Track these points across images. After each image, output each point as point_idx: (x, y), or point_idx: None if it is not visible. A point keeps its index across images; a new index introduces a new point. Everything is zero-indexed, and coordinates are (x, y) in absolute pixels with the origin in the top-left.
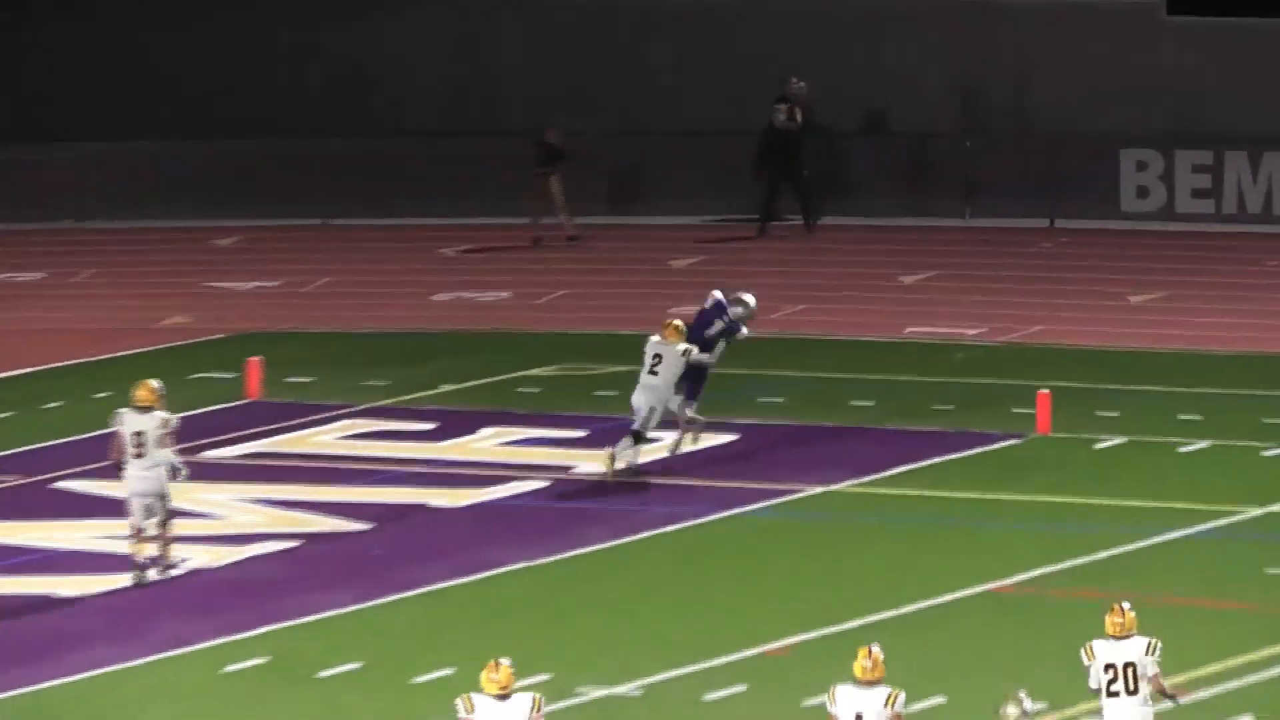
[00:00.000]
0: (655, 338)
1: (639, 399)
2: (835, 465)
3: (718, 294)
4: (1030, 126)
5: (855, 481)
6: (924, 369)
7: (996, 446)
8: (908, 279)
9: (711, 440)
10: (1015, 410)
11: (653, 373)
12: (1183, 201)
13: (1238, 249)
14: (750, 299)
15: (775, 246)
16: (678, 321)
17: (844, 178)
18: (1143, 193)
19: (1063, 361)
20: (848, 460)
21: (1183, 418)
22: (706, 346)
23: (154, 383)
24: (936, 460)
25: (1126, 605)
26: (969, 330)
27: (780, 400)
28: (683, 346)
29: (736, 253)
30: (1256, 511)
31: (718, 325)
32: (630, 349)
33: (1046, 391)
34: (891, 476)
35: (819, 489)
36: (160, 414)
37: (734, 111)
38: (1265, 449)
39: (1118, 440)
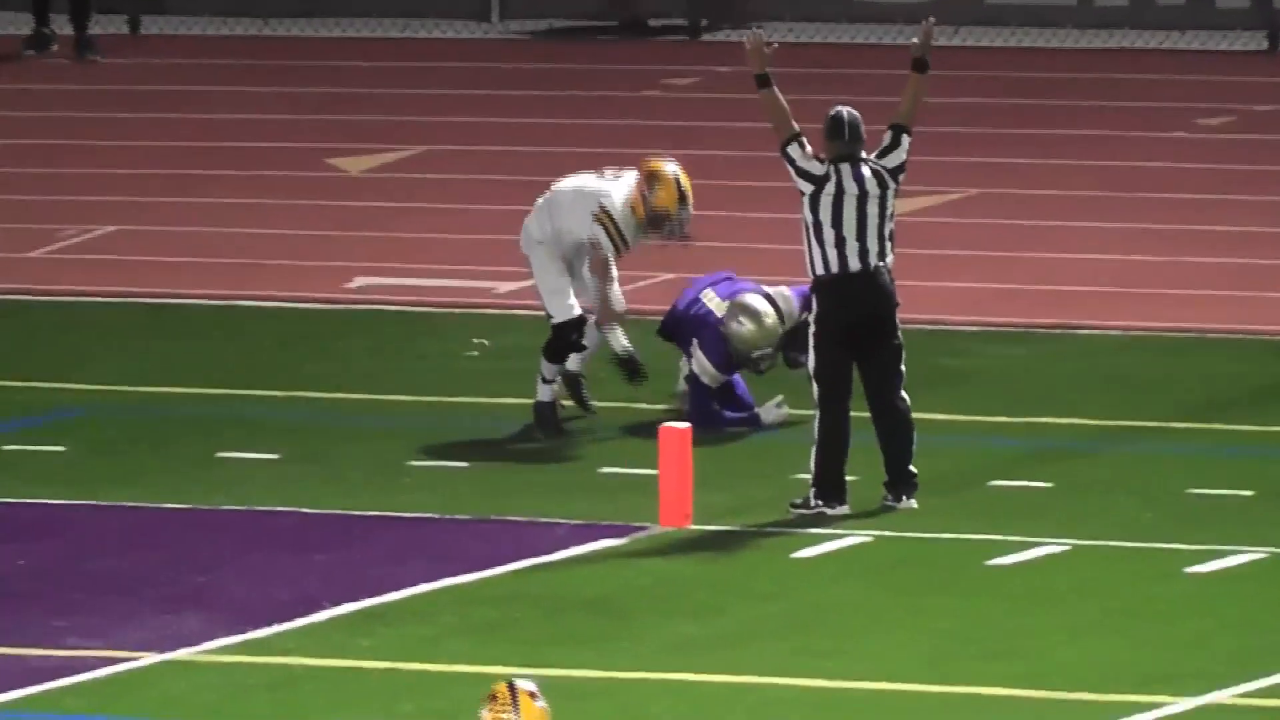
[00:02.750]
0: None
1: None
2: (187, 602)
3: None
4: None
5: (228, 640)
6: (399, 370)
7: (570, 555)
8: (352, 165)
9: None
10: (608, 475)
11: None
12: None
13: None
14: (762, 307)
15: (53, 85)
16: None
17: None
18: None
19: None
20: (216, 592)
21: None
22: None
23: None
24: (407, 593)
25: (527, 686)
26: (501, 283)
27: (59, 449)
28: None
29: None
30: None
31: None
32: None
33: (679, 427)
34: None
35: (143, 660)
36: None
37: None
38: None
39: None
